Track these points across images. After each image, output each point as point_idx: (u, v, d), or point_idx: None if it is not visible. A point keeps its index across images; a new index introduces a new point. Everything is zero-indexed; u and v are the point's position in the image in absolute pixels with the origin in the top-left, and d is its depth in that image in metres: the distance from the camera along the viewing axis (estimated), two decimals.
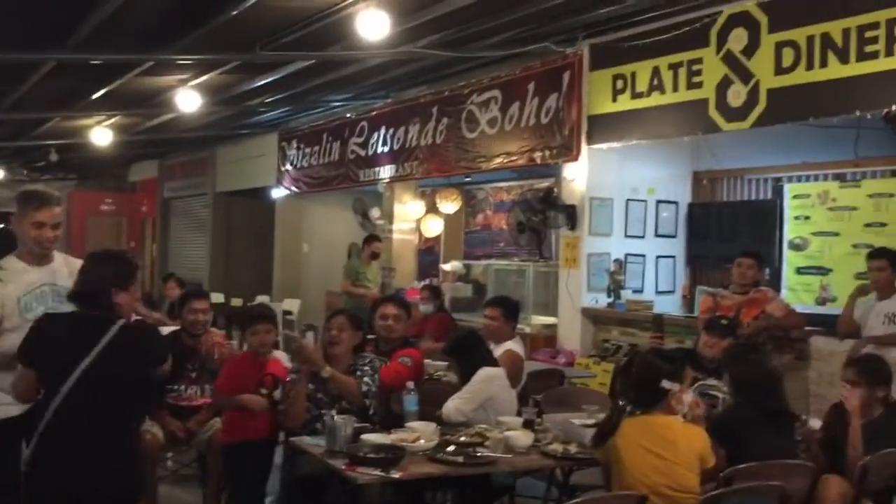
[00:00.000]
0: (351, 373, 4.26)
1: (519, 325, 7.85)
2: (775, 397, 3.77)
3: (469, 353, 4.43)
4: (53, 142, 13.04)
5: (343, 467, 3.40)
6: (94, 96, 9.26)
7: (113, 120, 11.33)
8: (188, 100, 8.72)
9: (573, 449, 3.80)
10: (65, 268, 3.51)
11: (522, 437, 3.78)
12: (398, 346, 4.71)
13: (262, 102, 10.27)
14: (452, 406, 4.14)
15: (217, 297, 12.27)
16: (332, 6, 6.11)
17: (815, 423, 4.23)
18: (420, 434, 3.76)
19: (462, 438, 3.81)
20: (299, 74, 8.50)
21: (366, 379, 4.22)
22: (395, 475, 3.36)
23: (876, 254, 5.50)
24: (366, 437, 3.67)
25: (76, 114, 10.62)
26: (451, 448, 3.67)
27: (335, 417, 3.64)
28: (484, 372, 4.29)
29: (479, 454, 3.64)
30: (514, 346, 5.10)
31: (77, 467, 2.90)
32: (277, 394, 4.37)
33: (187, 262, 16.18)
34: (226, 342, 5.53)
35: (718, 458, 3.41)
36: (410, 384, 4.16)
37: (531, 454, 3.75)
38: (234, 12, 5.98)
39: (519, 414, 4.26)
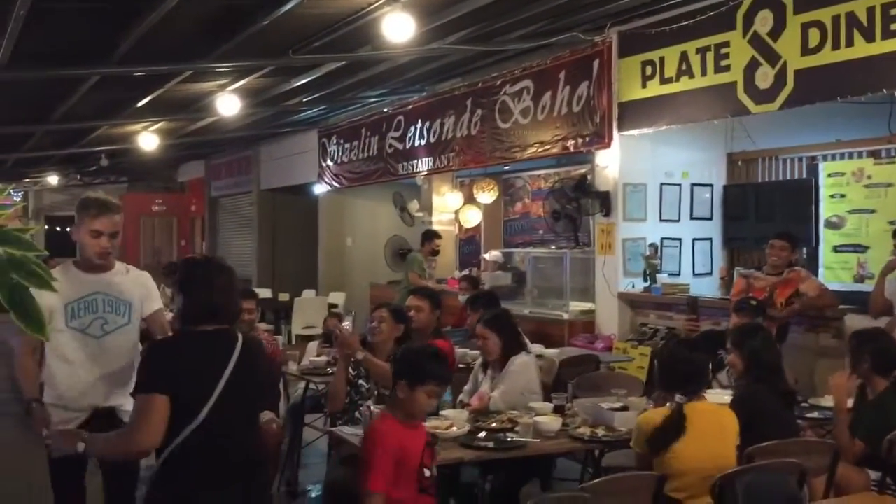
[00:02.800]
0: (390, 362, 4.45)
1: (557, 312, 8.12)
2: (783, 376, 3.87)
3: (509, 325, 4.62)
4: (104, 148, 13.50)
5: None
6: (140, 104, 9.61)
7: (159, 125, 11.71)
8: (228, 103, 9.00)
9: (601, 432, 3.94)
10: (123, 278, 3.51)
11: (551, 422, 3.93)
12: (429, 338, 4.88)
13: (300, 102, 10.52)
14: (498, 395, 4.34)
15: (264, 293, 12.67)
16: (358, 11, 6.30)
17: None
18: (453, 421, 3.94)
19: (493, 424, 3.98)
20: (334, 74, 8.72)
21: None
22: None
23: None
24: None
25: (123, 121, 11.02)
26: (482, 434, 3.84)
27: (371, 407, 3.83)
28: (522, 360, 4.47)
29: (509, 439, 3.80)
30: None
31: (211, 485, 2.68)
32: None
33: (235, 259, 16.57)
34: (272, 338, 5.79)
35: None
36: None
37: (560, 438, 3.90)
38: (266, 21, 6.21)
39: (549, 400, 4.41)
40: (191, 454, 2.65)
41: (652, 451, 3.37)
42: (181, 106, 10.17)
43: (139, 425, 2.63)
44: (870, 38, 5.47)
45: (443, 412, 4.10)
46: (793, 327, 6.04)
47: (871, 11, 5.46)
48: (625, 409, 4.13)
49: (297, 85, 9.14)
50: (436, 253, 9.80)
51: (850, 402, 4.07)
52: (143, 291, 3.57)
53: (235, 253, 16.64)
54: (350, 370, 4.36)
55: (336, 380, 4.33)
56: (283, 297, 12.68)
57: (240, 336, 2.81)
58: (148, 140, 11.90)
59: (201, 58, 7.44)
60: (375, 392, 4.29)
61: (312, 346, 6.04)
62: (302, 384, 6.00)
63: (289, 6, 5.89)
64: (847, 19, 5.60)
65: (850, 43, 5.60)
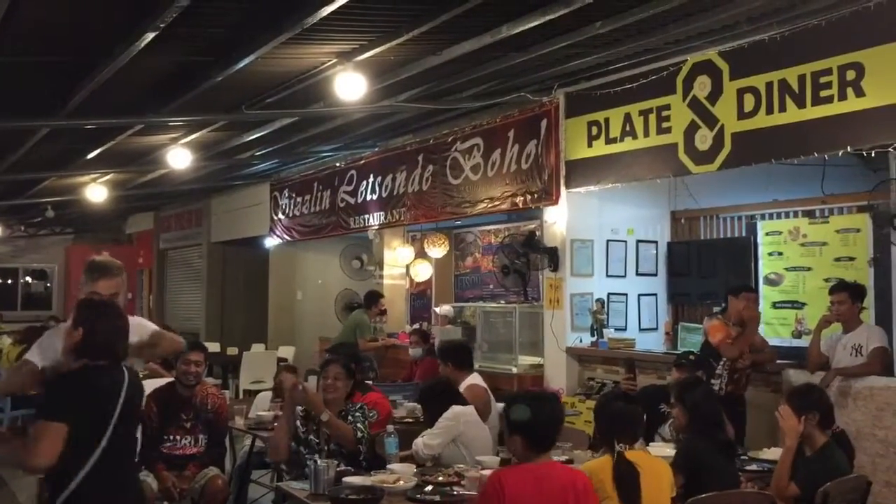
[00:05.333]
0: (342, 418, 4.46)
1: (506, 366, 8.19)
2: (724, 428, 3.98)
3: (438, 400, 4.64)
4: (50, 199, 13.33)
5: None
6: (89, 156, 9.56)
7: (108, 177, 11.62)
8: (179, 157, 9.01)
9: None
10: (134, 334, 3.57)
11: None
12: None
13: (253, 155, 10.57)
14: (421, 443, 4.37)
15: (213, 347, 12.48)
16: (311, 70, 6.44)
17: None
18: (400, 475, 3.95)
19: (440, 478, 3.99)
20: (286, 129, 8.81)
21: (359, 425, 4.42)
22: None
23: (836, 288, 5.73)
24: (348, 479, 3.86)
25: (72, 173, 10.92)
26: (428, 488, 3.86)
27: (318, 462, 3.83)
28: (451, 410, 4.51)
29: (455, 493, 3.82)
30: (473, 380, 5.36)
31: None
32: None
33: (183, 313, 16.37)
34: (219, 392, 5.74)
35: (677, 484, 3.62)
36: (390, 427, 4.36)
37: None
38: (219, 78, 6.30)
39: (497, 452, 4.45)
40: (92, 488, 2.96)
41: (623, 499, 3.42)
42: (131, 158, 10.14)
43: (36, 446, 2.92)
44: (801, 104, 5.75)
45: (390, 466, 4.11)
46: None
47: (801, 79, 5.75)
48: (570, 461, 4.18)
49: (249, 139, 9.21)
50: (383, 313, 9.85)
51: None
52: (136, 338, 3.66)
53: (184, 306, 16.40)
54: (299, 425, 4.35)
55: (278, 429, 4.33)
56: (232, 351, 12.52)
57: (126, 370, 3.10)
58: (96, 192, 11.79)
59: (154, 112, 7.48)
60: (326, 447, 4.28)
61: (260, 398, 6.00)
62: (248, 439, 5.93)
63: (243, 64, 5.99)
64: (779, 86, 5.89)
65: (782, 108, 5.87)
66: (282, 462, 4.38)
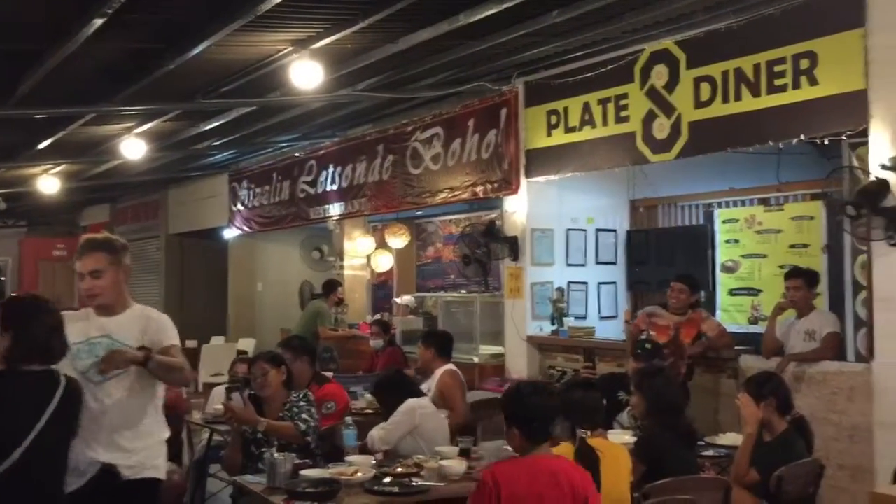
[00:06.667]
0: (287, 409, 4.40)
1: (468, 356, 8.19)
2: (684, 415, 4.01)
3: (393, 393, 4.62)
4: (1, 191, 13.01)
5: (281, 503, 3.54)
6: (40, 146, 9.33)
7: (61, 168, 11.37)
8: (133, 147, 8.84)
9: None
10: (135, 323, 3.30)
11: (455, 466, 3.95)
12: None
13: (210, 146, 10.41)
14: (376, 436, 4.34)
15: None
16: (266, 58, 6.34)
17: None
18: (358, 467, 3.92)
19: (398, 469, 3.97)
20: (244, 119, 8.69)
21: (303, 416, 4.36)
22: None
23: (792, 274, 5.81)
24: (305, 472, 3.81)
25: (23, 164, 10.67)
26: (387, 479, 3.83)
27: (275, 455, 3.78)
28: (407, 404, 4.48)
29: (414, 483, 3.80)
30: (450, 368, 5.40)
31: None
32: None
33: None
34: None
35: (637, 473, 3.64)
36: (349, 419, 4.32)
37: (465, 481, 3.92)
38: (172, 66, 6.17)
39: (455, 443, 4.44)
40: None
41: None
42: (84, 149, 9.93)
43: None
44: (756, 93, 5.80)
45: (348, 458, 4.08)
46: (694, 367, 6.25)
47: (756, 68, 5.80)
48: None
49: (206, 129, 9.06)
50: (341, 302, 9.78)
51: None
52: (143, 332, 3.28)
53: (141, 299, 15.91)
54: (247, 429, 4.30)
55: (230, 450, 4.29)
56: (191, 343, 12.34)
57: (63, 378, 2.84)
58: (49, 183, 11.53)
59: (106, 100, 7.31)
60: (276, 441, 4.22)
61: (217, 392, 5.90)
62: (206, 433, 5.85)
63: (196, 51, 5.88)
64: (735, 75, 5.93)
65: (738, 97, 5.92)
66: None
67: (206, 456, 5.81)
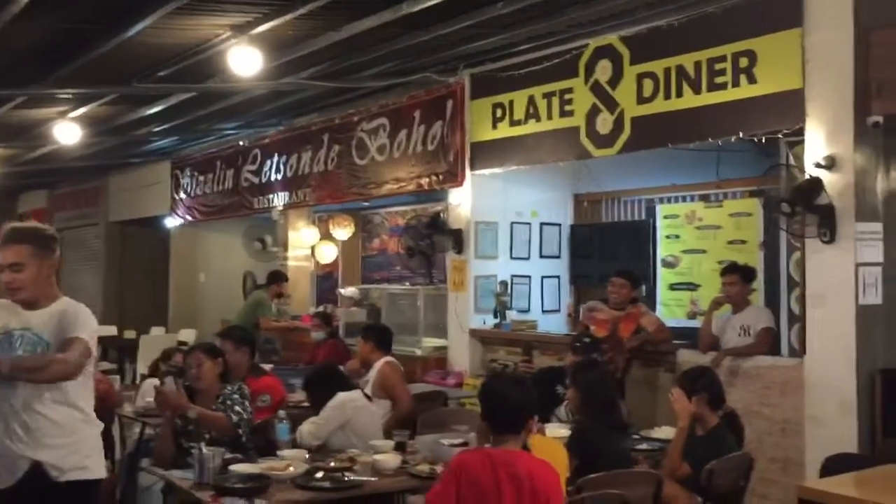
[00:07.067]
0: (220, 402, 4.31)
1: (411, 349, 8.16)
2: (618, 409, 4.03)
3: (324, 387, 4.55)
4: None
5: (209, 499, 3.46)
6: None
7: None
8: (68, 132, 8.57)
9: (440, 469, 3.94)
10: (55, 317, 3.14)
11: (389, 460, 3.91)
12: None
13: (150, 132, 10.16)
14: (306, 430, 4.28)
15: (110, 330, 12.04)
16: (204, 43, 6.18)
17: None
18: (290, 462, 3.85)
19: (332, 464, 3.91)
20: (185, 105, 8.49)
21: (236, 408, 4.28)
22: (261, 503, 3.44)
23: (728, 269, 5.90)
24: (235, 467, 3.73)
25: None
26: (319, 474, 3.77)
27: (203, 450, 3.69)
28: (337, 398, 4.43)
29: (347, 478, 3.75)
30: (387, 359, 5.52)
31: None
32: None
33: (80, 295, 15.22)
34: (104, 378, 5.49)
35: (571, 466, 3.65)
36: (282, 413, 4.24)
37: (399, 476, 3.88)
38: (107, 48, 5.98)
39: (390, 436, 4.39)
40: None
41: None
42: (17, 132, 9.61)
43: None
44: (697, 90, 5.86)
45: (280, 452, 4.00)
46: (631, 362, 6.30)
47: (697, 65, 5.85)
48: (464, 444, 4.15)
49: (145, 114, 8.83)
50: (280, 296, 9.64)
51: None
52: (58, 326, 3.12)
53: (80, 288, 15.71)
54: (178, 421, 4.19)
55: (161, 441, 4.17)
56: (130, 334, 12.09)
57: None
58: None
59: (37, 82, 7.06)
60: (207, 435, 4.12)
61: (147, 384, 5.76)
62: (138, 427, 5.71)
63: (131, 33, 5.70)
64: (677, 72, 5.98)
65: (679, 94, 5.97)
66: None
67: (139, 449, 5.66)
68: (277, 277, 9.62)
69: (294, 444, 4.21)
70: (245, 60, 5.86)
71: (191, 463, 3.94)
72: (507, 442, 3.08)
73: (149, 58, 6.61)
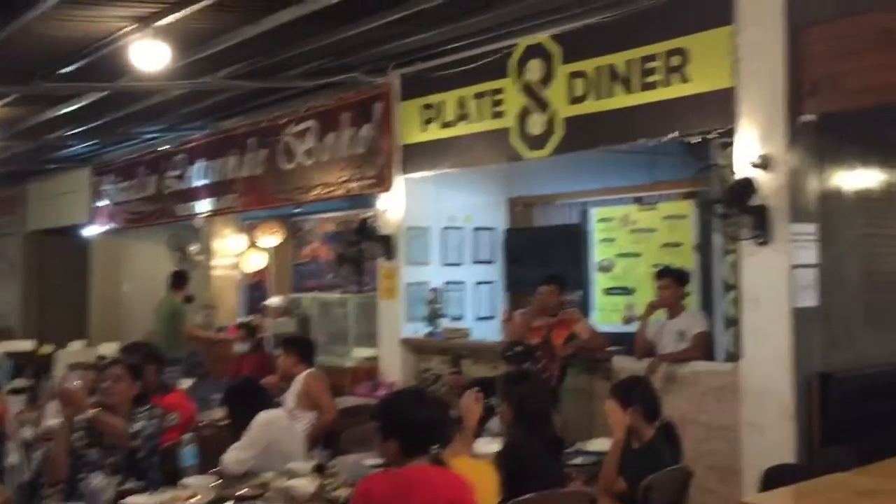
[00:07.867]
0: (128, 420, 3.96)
1: (340, 359, 7.85)
2: (551, 423, 3.82)
3: (245, 403, 4.23)
4: None
5: None
6: None
7: None
8: None
9: None
10: None
11: (304, 485, 3.61)
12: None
13: (63, 136, 9.63)
14: (232, 457, 3.93)
15: (24, 346, 11.40)
16: (107, 36, 5.77)
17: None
18: (195, 490, 3.52)
19: (242, 491, 3.59)
20: (98, 105, 8.02)
21: (141, 422, 3.92)
22: None
23: (661, 273, 5.77)
24: (131, 499, 3.39)
25: None
26: (228, 503, 3.45)
27: (94, 481, 3.34)
28: (263, 417, 4.11)
29: None
30: (310, 370, 5.34)
31: None
32: None
33: None
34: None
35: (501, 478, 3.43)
36: (187, 436, 3.91)
37: (314, 503, 3.58)
38: None
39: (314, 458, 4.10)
40: None
41: None
42: None
43: None
44: (629, 89, 5.72)
45: (184, 480, 3.67)
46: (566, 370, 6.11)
47: (629, 64, 5.71)
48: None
49: (56, 115, 8.33)
50: (190, 300, 9.20)
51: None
52: None
53: None
54: (77, 437, 3.82)
55: (57, 444, 3.78)
56: (47, 349, 11.46)
57: None
58: None
59: None
60: (108, 461, 3.76)
61: (51, 407, 5.33)
62: (40, 451, 5.26)
63: (23, 21, 5.23)
64: (609, 70, 5.83)
65: (611, 93, 5.83)
66: (62, 483, 3.82)
67: (40, 474, 5.23)
68: (181, 279, 9.19)
69: (201, 470, 3.86)
70: (150, 56, 5.47)
71: (82, 492, 3.59)
72: (413, 461, 2.84)
73: (49, 52, 6.15)
